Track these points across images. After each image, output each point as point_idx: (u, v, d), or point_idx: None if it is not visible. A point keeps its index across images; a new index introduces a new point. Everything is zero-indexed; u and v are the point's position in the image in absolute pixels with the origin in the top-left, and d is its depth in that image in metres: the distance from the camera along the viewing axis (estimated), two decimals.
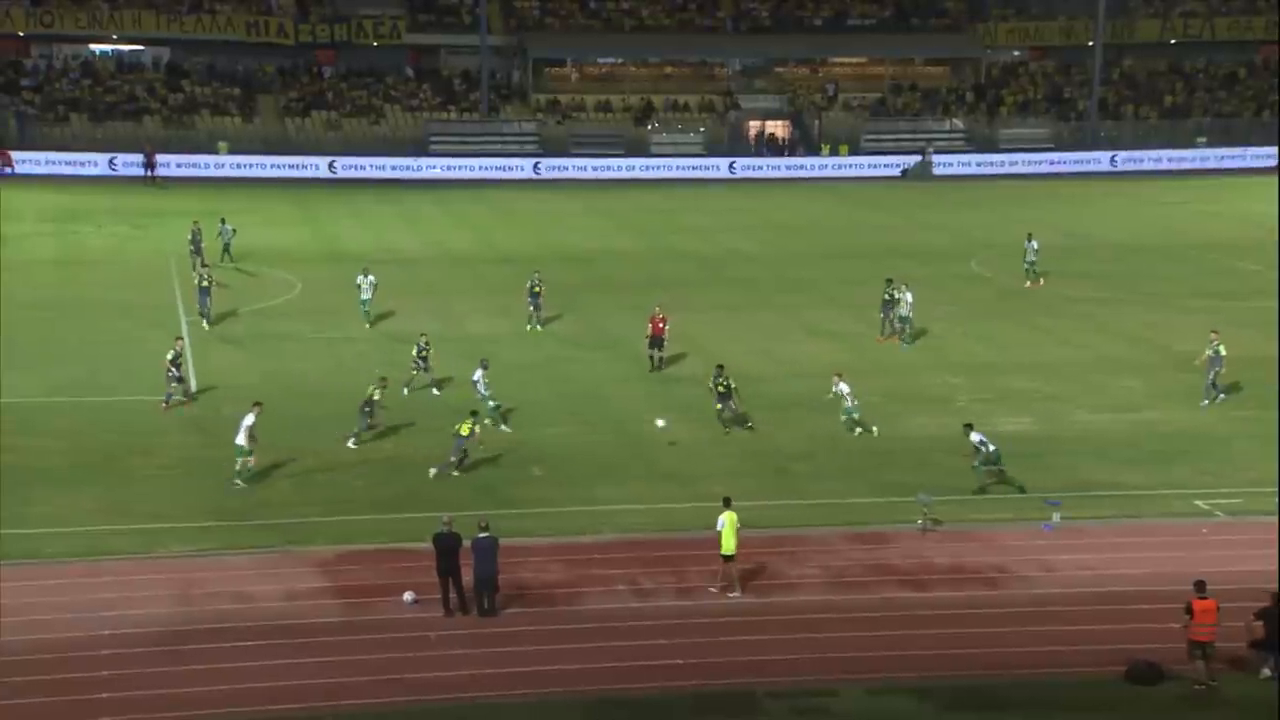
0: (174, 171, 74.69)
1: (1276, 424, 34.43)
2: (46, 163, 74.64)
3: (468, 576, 24.75)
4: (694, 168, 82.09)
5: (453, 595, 24.71)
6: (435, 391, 36.79)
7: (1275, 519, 28.55)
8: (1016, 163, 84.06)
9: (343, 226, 62.65)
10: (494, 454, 32.24)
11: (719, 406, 34.67)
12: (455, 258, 56.23)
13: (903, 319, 43.10)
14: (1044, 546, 28.39)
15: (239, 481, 30.14)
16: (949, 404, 37.45)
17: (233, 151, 77.96)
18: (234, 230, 52.18)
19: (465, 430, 31.05)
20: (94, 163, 75.17)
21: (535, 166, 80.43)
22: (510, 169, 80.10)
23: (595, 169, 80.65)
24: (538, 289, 44.29)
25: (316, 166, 77.82)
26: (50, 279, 49.42)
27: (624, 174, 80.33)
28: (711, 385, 34.98)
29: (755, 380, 37.92)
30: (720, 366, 35.39)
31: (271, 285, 49.30)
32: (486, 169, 79.87)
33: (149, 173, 72.70)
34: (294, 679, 22.42)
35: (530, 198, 72.71)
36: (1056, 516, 29.43)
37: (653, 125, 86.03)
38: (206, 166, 76.60)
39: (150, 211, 63.19)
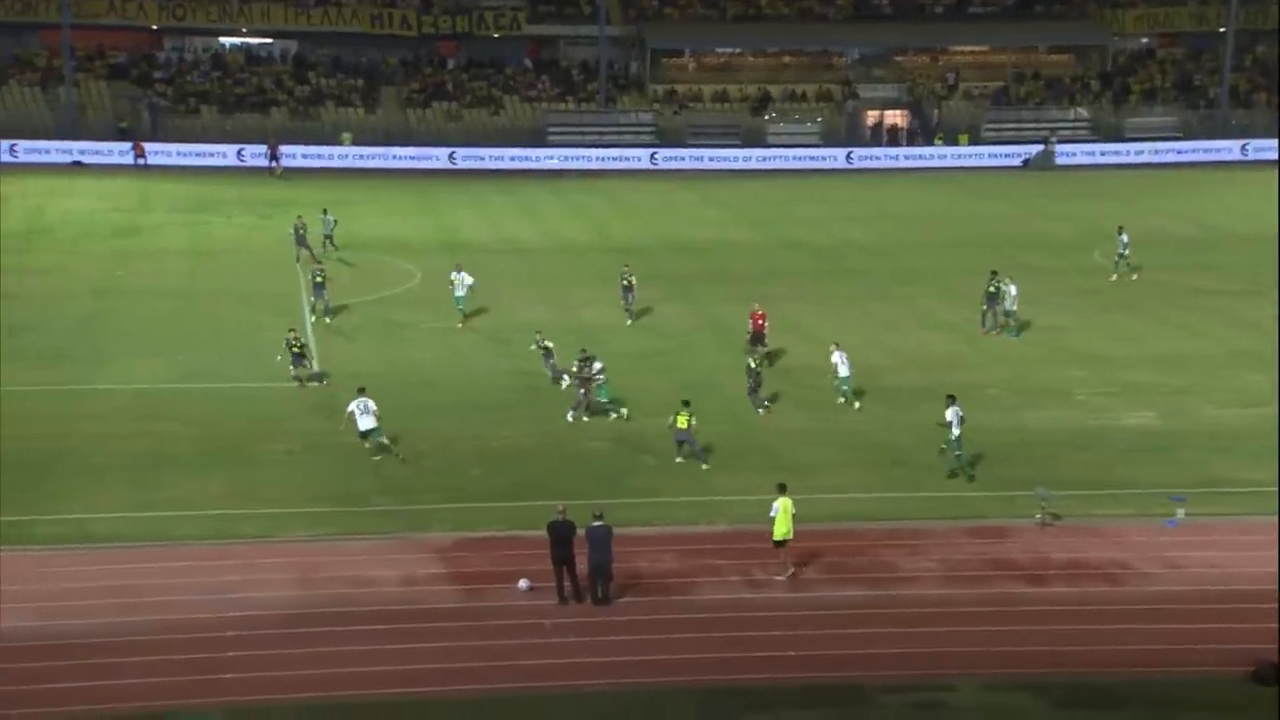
0: (299, 162, 76.02)
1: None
2: (177, 154, 76.41)
3: (582, 565, 24.88)
4: (810, 158, 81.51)
5: (567, 583, 24.86)
6: (563, 382, 36.78)
7: None
8: (1143, 152, 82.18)
9: (462, 217, 63.28)
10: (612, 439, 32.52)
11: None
12: (571, 248, 56.48)
13: (1007, 312, 42.45)
14: (1167, 543, 27.80)
15: (400, 456, 31.21)
16: (1069, 397, 36.80)
17: (355, 143, 79.19)
18: (335, 221, 52.68)
19: (683, 423, 31.17)
20: (223, 154, 76.80)
21: (652, 157, 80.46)
22: (627, 159, 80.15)
23: (711, 159, 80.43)
24: (628, 282, 44.24)
25: (437, 157, 78.69)
26: (181, 268, 50.62)
27: (740, 165, 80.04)
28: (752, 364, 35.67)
29: (871, 371, 37.60)
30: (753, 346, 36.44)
31: (392, 275, 50.01)
32: (603, 159, 79.97)
33: (273, 164, 74.17)
34: (411, 663, 22.75)
35: (646, 188, 72.73)
36: (1180, 512, 28.79)
37: (770, 115, 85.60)
38: (330, 157, 77.84)
39: (276, 202, 64.41)
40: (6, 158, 73.39)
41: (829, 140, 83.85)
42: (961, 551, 27.43)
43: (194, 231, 57.08)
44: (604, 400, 34.77)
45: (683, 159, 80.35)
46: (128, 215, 60.08)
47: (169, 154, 76.04)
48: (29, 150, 74.34)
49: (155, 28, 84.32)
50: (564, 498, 26.77)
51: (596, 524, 24.86)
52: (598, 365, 34.85)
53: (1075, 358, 40.48)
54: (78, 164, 72.17)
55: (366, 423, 31.19)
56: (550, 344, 37.28)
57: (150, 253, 52.38)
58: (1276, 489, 29.62)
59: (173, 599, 24.54)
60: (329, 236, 51.98)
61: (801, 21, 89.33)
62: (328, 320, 42.91)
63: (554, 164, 78.91)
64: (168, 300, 44.83)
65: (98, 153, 74.36)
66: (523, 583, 25.29)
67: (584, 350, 35.19)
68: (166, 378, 37.01)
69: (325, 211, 52.83)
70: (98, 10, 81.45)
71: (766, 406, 35.38)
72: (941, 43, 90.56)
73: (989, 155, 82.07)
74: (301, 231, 50.52)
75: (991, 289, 42.82)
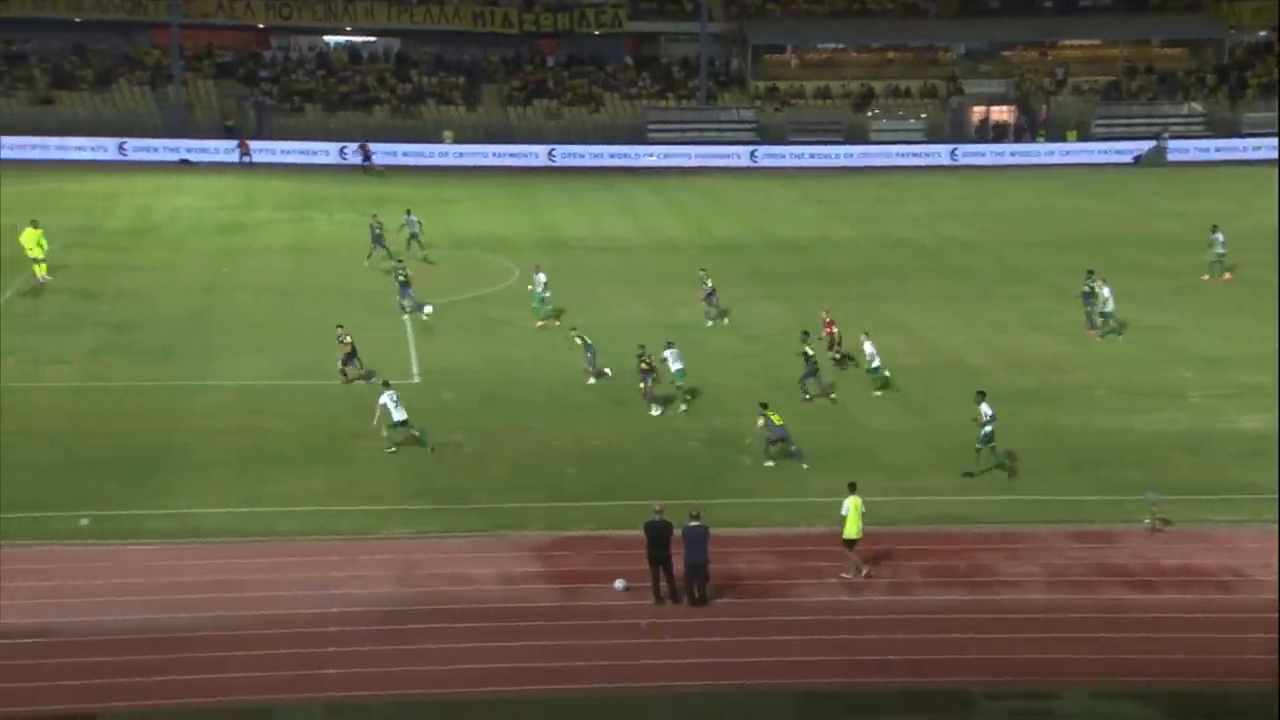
0: (399, 160, 76.97)
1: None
2: (282, 152, 77.69)
3: (679, 565, 24.91)
4: (914, 155, 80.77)
5: (664, 584, 24.90)
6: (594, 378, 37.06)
7: None
8: (1260, 148, 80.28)
9: (560, 214, 63.59)
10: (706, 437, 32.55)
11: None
12: (670, 245, 56.50)
13: (1104, 314, 41.69)
14: None
15: (431, 448, 31.87)
16: (1181, 399, 36.12)
17: (456, 141, 79.94)
18: (420, 222, 52.01)
19: (777, 419, 31.43)
20: (325, 152, 77.94)
21: (752, 154, 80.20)
22: (727, 157, 79.99)
23: (813, 156, 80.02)
24: (707, 282, 43.96)
25: (536, 155, 79.15)
26: (285, 265, 51.43)
27: (842, 161, 79.51)
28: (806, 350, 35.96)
29: (975, 372, 37.19)
30: (805, 333, 36.70)
31: (491, 272, 50.39)
32: (703, 157, 79.92)
33: (366, 163, 75.01)
34: (508, 662, 22.93)
35: (746, 186, 72.57)
36: None
37: (873, 112, 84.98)
38: (431, 155, 78.63)
39: (376, 199, 65.12)
40: (116, 156, 75.19)
41: (933, 136, 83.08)
42: (1066, 556, 27.04)
43: (297, 229, 57.99)
44: (678, 383, 35.13)
45: (783, 156, 80.00)
46: (233, 213, 61.20)
47: (273, 151, 77.33)
48: (138, 148, 76.04)
49: (262, 26, 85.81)
50: (660, 497, 26.80)
51: (694, 524, 24.86)
52: (667, 353, 35.23)
53: (1185, 358, 39.70)
54: (185, 162, 73.66)
55: (400, 414, 31.84)
56: (589, 339, 37.56)
57: (254, 250, 53.29)
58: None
59: (276, 594, 24.97)
60: (415, 236, 51.55)
61: (905, 17, 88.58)
62: (424, 315, 43.04)
63: (653, 161, 78.96)
64: (271, 297, 45.59)
65: (204, 151, 75.87)
66: (619, 582, 25.37)
67: (641, 347, 35.39)
68: (270, 374, 37.65)
69: (409, 213, 52.34)
70: (206, 10, 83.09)
71: (810, 397, 35.51)
72: (1051, 37, 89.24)
73: (1099, 152, 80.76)
74: (378, 230, 50.72)
75: (1086, 289, 42.15)
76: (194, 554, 26.57)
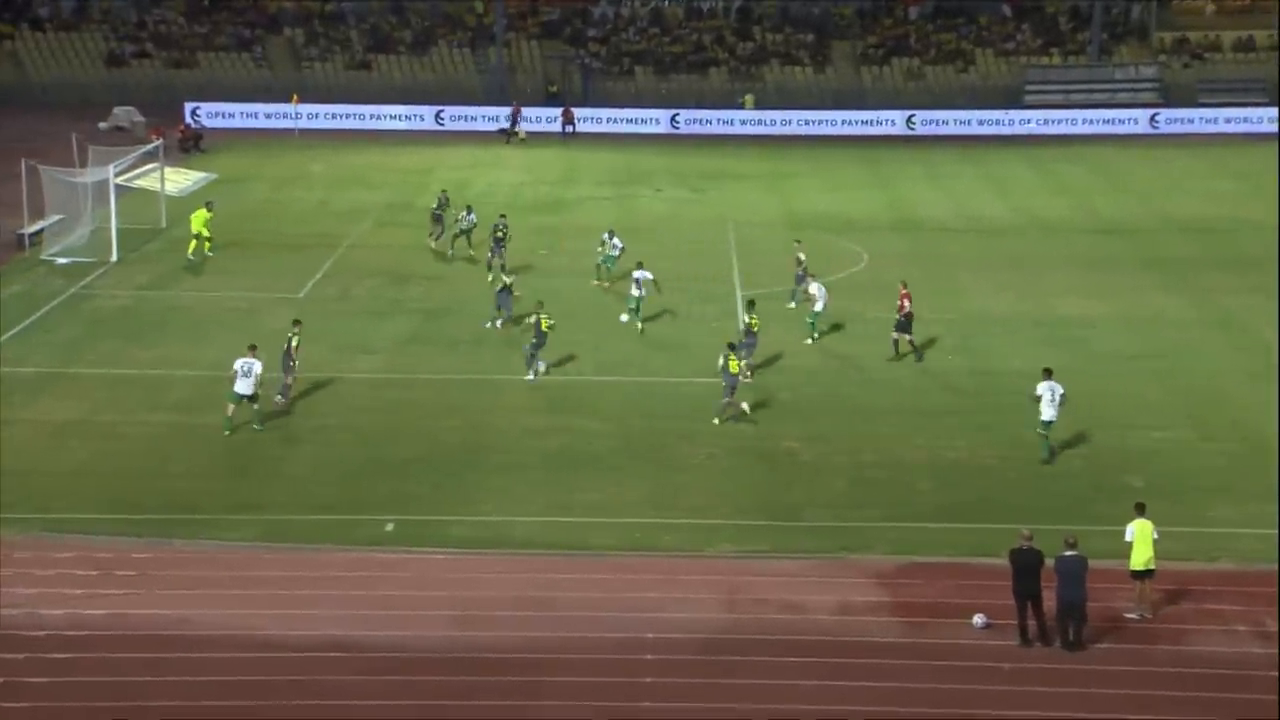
0: (736, 130, 77.77)
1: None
2: (607, 120, 79.62)
3: (1050, 601, 24.27)
4: None
5: (1032, 622, 24.33)
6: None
7: None
8: None
9: (917, 190, 62.93)
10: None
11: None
12: (1047, 227, 55.31)
13: None
14: None
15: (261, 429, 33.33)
16: None
17: (800, 106, 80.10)
18: (475, 221, 49.46)
19: (735, 366, 33.67)
20: (655, 120, 79.41)
21: (1152, 119, 77.88)
22: (1120, 122, 77.93)
23: (1229, 121, 77.15)
24: (800, 256, 43.19)
25: (892, 122, 78.58)
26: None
27: (1266, 128, 75.93)
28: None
29: None
30: (750, 301, 38.55)
31: (837, 257, 50.26)
32: (1091, 123, 78.11)
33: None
34: (845, 703, 22.78)
35: (1143, 156, 70.44)
36: None
37: None
38: (772, 124, 78.99)
39: (710, 174, 66.02)
40: (433, 125, 78.62)
41: None
42: None
43: (620, 206, 59.25)
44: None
45: (1191, 121, 77.62)
46: (552, 188, 63.06)
47: (598, 120, 79.24)
48: (455, 117, 79.20)
49: None
50: (1028, 520, 26.26)
51: (1069, 554, 24.24)
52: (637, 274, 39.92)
53: None
54: (505, 132, 76.32)
55: (244, 386, 32.72)
56: (511, 285, 41.19)
57: (573, 229, 54.66)
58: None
59: (587, 615, 25.54)
60: (466, 233, 49.40)
61: None
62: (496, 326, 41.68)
63: (1031, 129, 77.68)
64: (588, 281, 46.66)
65: (525, 119, 78.28)
66: (978, 618, 24.93)
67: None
68: (583, 369, 38.57)
69: (469, 210, 49.96)
70: None
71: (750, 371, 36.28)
72: None
73: None
74: (443, 205, 50.87)
75: None
76: (500, 566, 27.47)
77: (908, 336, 38.55)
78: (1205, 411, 34.90)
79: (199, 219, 48.86)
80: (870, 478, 31.49)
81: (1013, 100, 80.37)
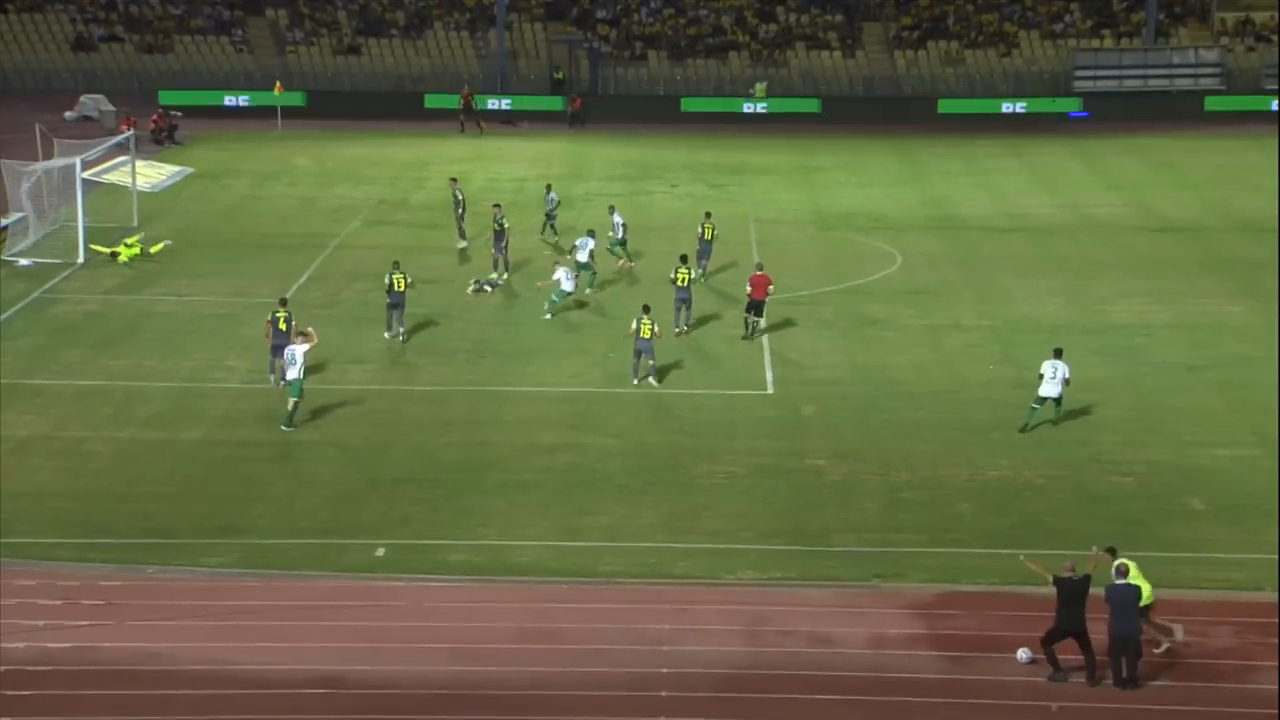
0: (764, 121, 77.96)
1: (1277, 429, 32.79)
2: (617, 109, 79.82)
3: (1099, 635, 24.25)
4: None
5: (1071, 654, 24.29)
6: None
7: None
8: None
9: (957, 185, 63.10)
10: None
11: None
12: (1098, 226, 55.45)
13: None
14: None
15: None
16: None
17: (822, 93, 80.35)
18: (557, 199, 53.30)
19: (646, 330, 36.48)
20: (669, 109, 79.60)
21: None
22: (1179, 111, 78.16)
23: None
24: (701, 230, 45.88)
25: (928, 111, 78.86)
26: None
27: None
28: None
29: None
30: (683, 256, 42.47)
31: (867, 258, 50.30)
32: (1147, 111, 78.23)
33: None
34: None
35: (1201, 148, 70.48)
36: None
37: None
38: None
39: (730, 168, 66.15)
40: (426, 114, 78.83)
41: None
42: None
43: (632, 203, 59.29)
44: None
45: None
46: (559, 184, 63.05)
47: (608, 108, 79.43)
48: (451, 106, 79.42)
49: None
50: (1078, 546, 26.18)
51: (1122, 583, 24.18)
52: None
53: None
54: (507, 123, 76.49)
55: (294, 373, 34.31)
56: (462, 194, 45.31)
57: (580, 228, 54.63)
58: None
59: (596, 648, 25.55)
60: (550, 217, 52.49)
61: None
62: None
63: (1080, 118, 77.92)
64: (595, 286, 46.67)
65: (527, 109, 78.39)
66: (1023, 653, 24.90)
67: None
68: (593, 380, 38.65)
69: (548, 189, 53.06)
70: None
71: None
72: None
73: None
74: (459, 199, 51.73)
75: None
76: (502, 594, 27.49)
77: (755, 318, 40.96)
78: (1271, 427, 34.85)
79: (127, 252, 48.76)
80: (905, 499, 31.50)
81: (1060, 86, 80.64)
